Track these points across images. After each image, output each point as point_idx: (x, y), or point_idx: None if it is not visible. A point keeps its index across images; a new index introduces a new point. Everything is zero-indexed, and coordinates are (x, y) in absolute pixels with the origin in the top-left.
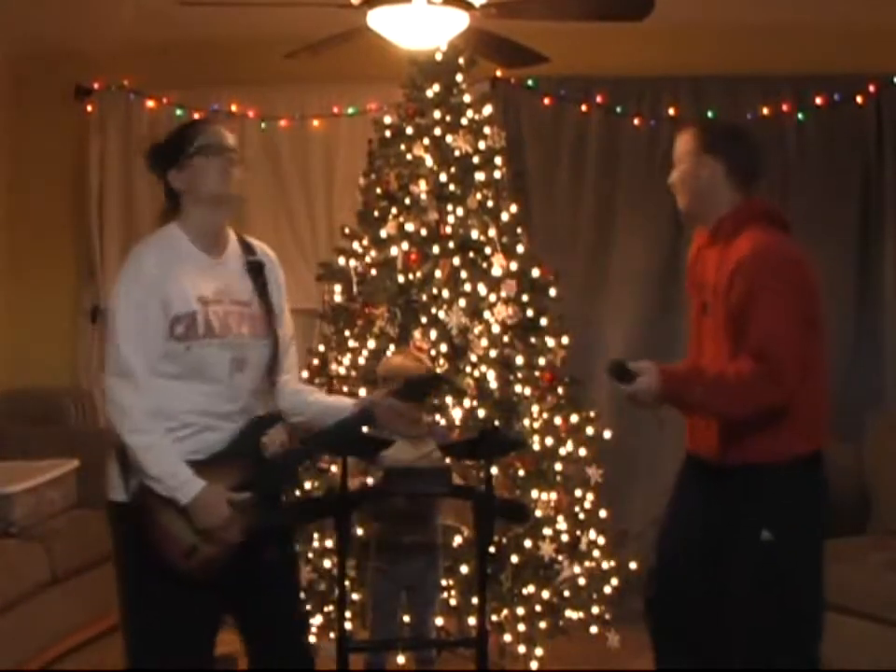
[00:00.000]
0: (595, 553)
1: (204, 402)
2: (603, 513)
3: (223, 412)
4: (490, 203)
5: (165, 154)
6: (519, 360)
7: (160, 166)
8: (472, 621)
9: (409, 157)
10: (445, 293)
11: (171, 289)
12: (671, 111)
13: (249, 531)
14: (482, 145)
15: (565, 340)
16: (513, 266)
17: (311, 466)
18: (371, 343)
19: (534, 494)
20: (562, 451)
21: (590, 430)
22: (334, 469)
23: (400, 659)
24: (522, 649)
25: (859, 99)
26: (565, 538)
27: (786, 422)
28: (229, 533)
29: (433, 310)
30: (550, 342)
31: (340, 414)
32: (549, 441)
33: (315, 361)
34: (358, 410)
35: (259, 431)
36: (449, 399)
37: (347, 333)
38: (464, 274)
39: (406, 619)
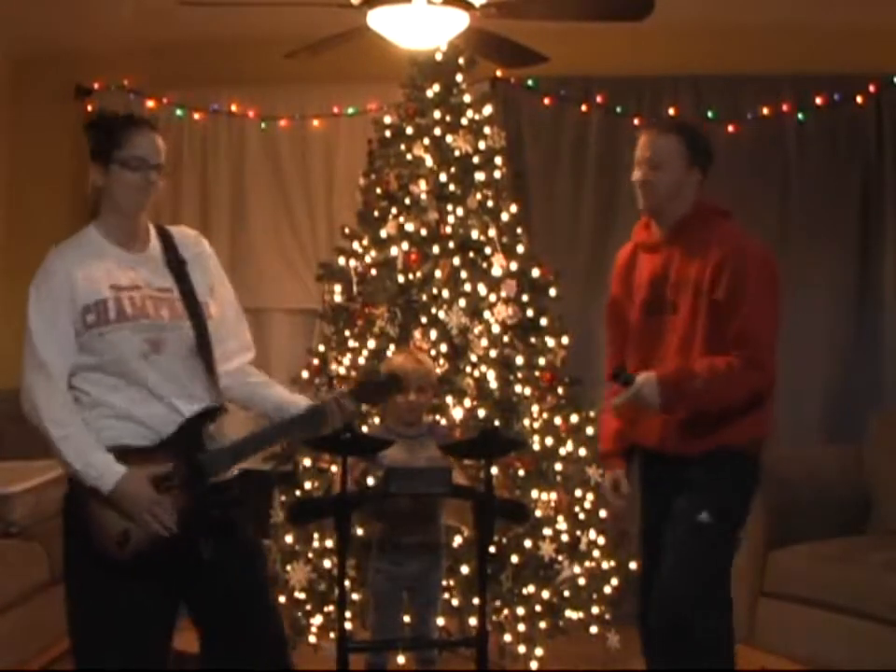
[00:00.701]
0: (595, 552)
1: (127, 390)
2: (603, 513)
3: (147, 396)
4: (490, 203)
5: (93, 144)
6: (519, 360)
7: (89, 150)
8: (473, 621)
9: (409, 157)
10: (445, 293)
11: (80, 282)
12: (671, 111)
13: (184, 518)
14: (482, 145)
15: (565, 340)
16: (513, 266)
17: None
18: (371, 343)
19: (534, 494)
20: (562, 451)
21: (590, 430)
22: (334, 468)
23: (401, 659)
24: (522, 649)
25: (859, 99)
26: (565, 538)
27: (753, 409)
28: (159, 517)
29: (433, 310)
30: (550, 342)
31: (291, 411)
32: (549, 441)
33: (315, 361)
34: (308, 409)
35: (198, 425)
36: (449, 399)
37: (347, 333)
38: (464, 274)
39: (407, 619)
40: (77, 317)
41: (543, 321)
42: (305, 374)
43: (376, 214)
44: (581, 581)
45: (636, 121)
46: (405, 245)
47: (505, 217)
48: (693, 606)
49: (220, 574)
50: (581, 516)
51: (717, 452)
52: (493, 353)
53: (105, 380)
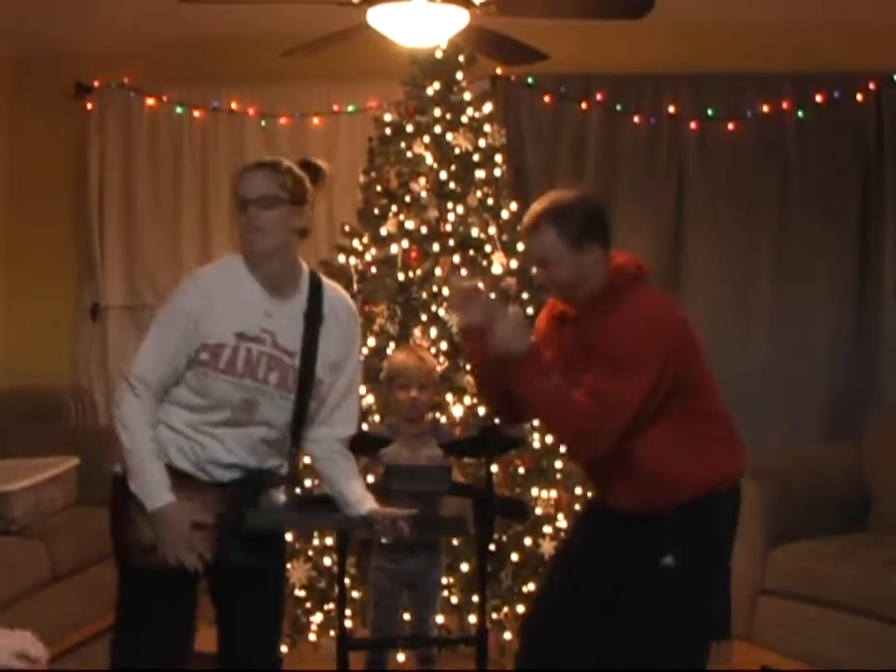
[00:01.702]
0: None
1: (209, 416)
2: None
3: (224, 432)
4: (490, 201)
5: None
6: None
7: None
8: (473, 618)
9: (409, 154)
10: (445, 291)
11: (212, 317)
12: (671, 109)
13: (209, 562)
14: (482, 142)
15: None
16: (514, 264)
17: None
18: (372, 341)
19: (534, 491)
20: (562, 448)
21: None
22: None
23: (401, 657)
24: None
25: (859, 97)
26: (565, 535)
27: (705, 454)
28: (182, 552)
29: (433, 308)
30: None
31: (351, 509)
32: (549, 438)
33: None
34: (363, 517)
35: (260, 482)
36: (449, 397)
37: None
38: (464, 272)
39: (407, 617)
40: (193, 350)
41: None
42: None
43: (376, 211)
44: None
45: (636, 119)
46: (405, 243)
47: (505, 214)
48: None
49: (247, 582)
50: None
51: (671, 509)
52: None
53: (200, 404)
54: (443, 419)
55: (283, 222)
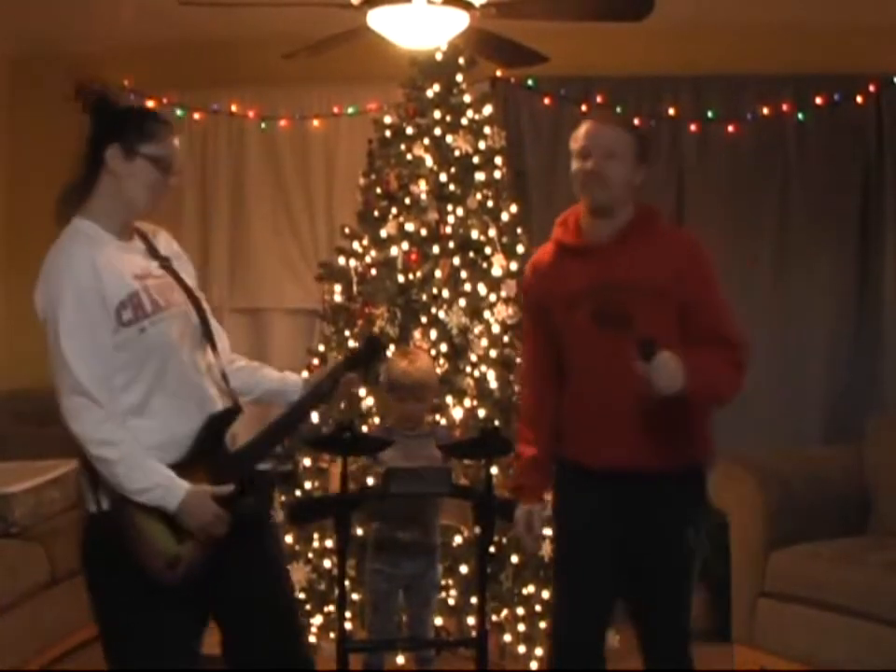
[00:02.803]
0: None
1: (164, 392)
2: None
3: (187, 395)
4: (490, 204)
5: (118, 128)
6: (519, 360)
7: (102, 126)
8: (472, 620)
9: (409, 157)
10: (445, 293)
11: (105, 277)
12: (671, 111)
13: (231, 524)
14: (482, 145)
15: None
16: (513, 266)
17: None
18: None
19: None
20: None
21: None
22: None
23: (400, 659)
24: (522, 649)
25: (859, 99)
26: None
27: (709, 419)
28: (217, 529)
29: (433, 310)
30: None
31: (290, 394)
32: None
33: (316, 361)
34: (311, 389)
35: (221, 427)
36: (449, 399)
37: (347, 333)
38: (464, 274)
39: (404, 618)
40: (112, 317)
41: None
42: (305, 374)
43: (376, 214)
44: None
45: (635, 121)
46: (405, 245)
47: (505, 217)
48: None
49: (245, 579)
50: None
51: (690, 467)
52: (493, 353)
53: (142, 382)
54: (443, 421)
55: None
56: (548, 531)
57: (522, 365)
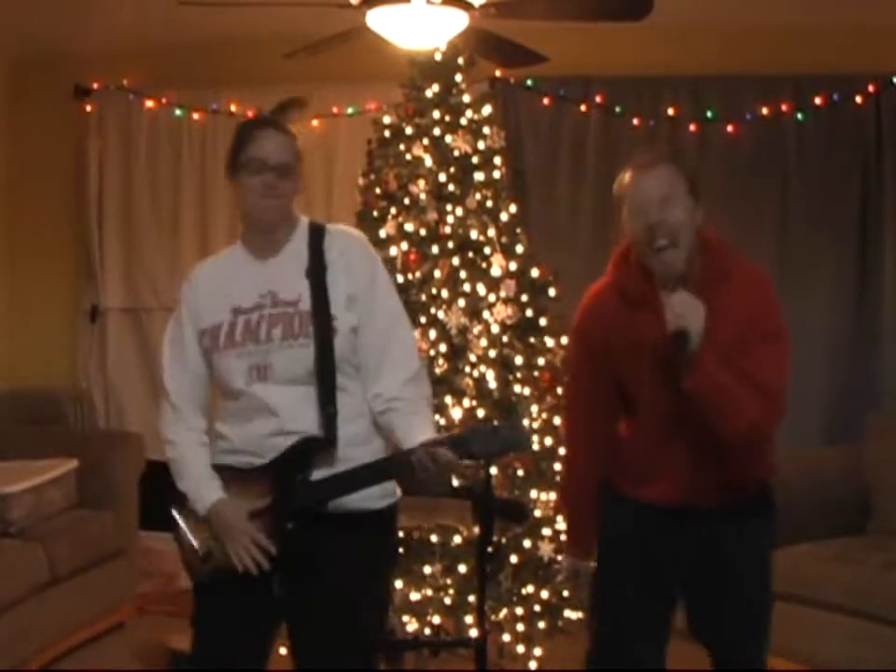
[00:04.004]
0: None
1: (234, 411)
2: None
3: (251, 419)
4: (489, 203)
5: (228, 158)
6: (518, 360)
7: (227, 169)
8: (470, 620)
9: (408, 157)
10: (444, 293)
11: (203, 305)
12: (670, 111)
13: (272, 554)
14: (481, 145)
15: (564, 340)
16: (513, 266)
17: None
18: None
19: (533, 494)
20: (561, 451)
21: None
22: None
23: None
24: (521, 649)
25: (858, 99)
26: (564, 537)
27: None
28: (251, 552)
29: (432, 310)
30: (549, 342)
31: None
32: (548, 441)
33: None
34: (394, 456)
35: (305, 450)
36: (448, 399)
37: None
38: (463, 274)
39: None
40: (197, 341)
41: (542, 321)
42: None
43: (375, 214)
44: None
45: (635, 121)
46: (404, 245)
47: (504, 217)
48: None
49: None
50: None
51: (754, 499)
52: (492, 353)
53: (224, 398)
54: (442, 421)
55: (294, 190)
56: (547, 531)
57: (568, 413)
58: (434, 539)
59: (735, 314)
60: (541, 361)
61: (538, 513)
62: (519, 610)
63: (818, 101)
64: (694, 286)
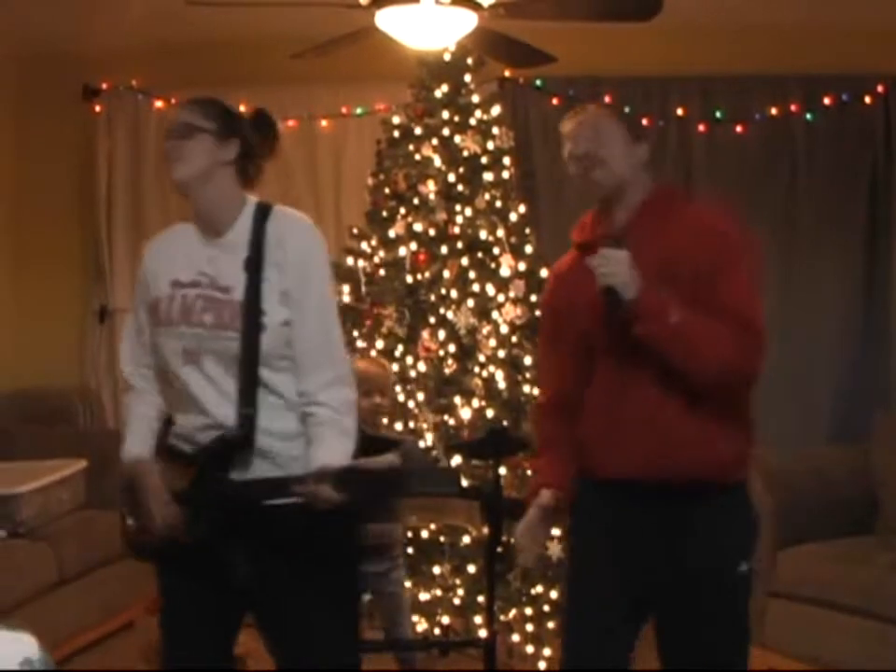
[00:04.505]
0: None
1: (171, 394)
2: None
3: (184, 409)
4: (498, 204)
5: None
6: (527, 360)
7: None
8: (479, 620)
9: (417, 157)
10: (454, 293)
11: (156, 275)
12: (680, 111)
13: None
14: (490, 145)
15: None
16: (522, 266)
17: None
18: (380, 344)
19: None
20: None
21: None
22: None
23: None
24: (530, 649)
25: (867, 99)
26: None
27: (745, 423)
28: (159, 517)
29: (441, 310)
30: None
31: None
32: None
33: None
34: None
35: (221, 449)
36: (458, 400)
37: (356, 333)
38: (472, 275)
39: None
40: (147, 314)
41: None
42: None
43: (385, 214)
44: None
45: (644, 121)
46: (413, 246)
47: (513, 217)
48: None
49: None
50: None
51: (731, 481)
52: (501, 353)
53: (161, 378)
54: (451, 421)
55: (203, 151)
56: (556, 531)
57: (542, 385)
58: (443, 539)
59: (678, 240)
60: None
61: None
62: (528, 611)
63: (826, 101)
64: (633, 214)
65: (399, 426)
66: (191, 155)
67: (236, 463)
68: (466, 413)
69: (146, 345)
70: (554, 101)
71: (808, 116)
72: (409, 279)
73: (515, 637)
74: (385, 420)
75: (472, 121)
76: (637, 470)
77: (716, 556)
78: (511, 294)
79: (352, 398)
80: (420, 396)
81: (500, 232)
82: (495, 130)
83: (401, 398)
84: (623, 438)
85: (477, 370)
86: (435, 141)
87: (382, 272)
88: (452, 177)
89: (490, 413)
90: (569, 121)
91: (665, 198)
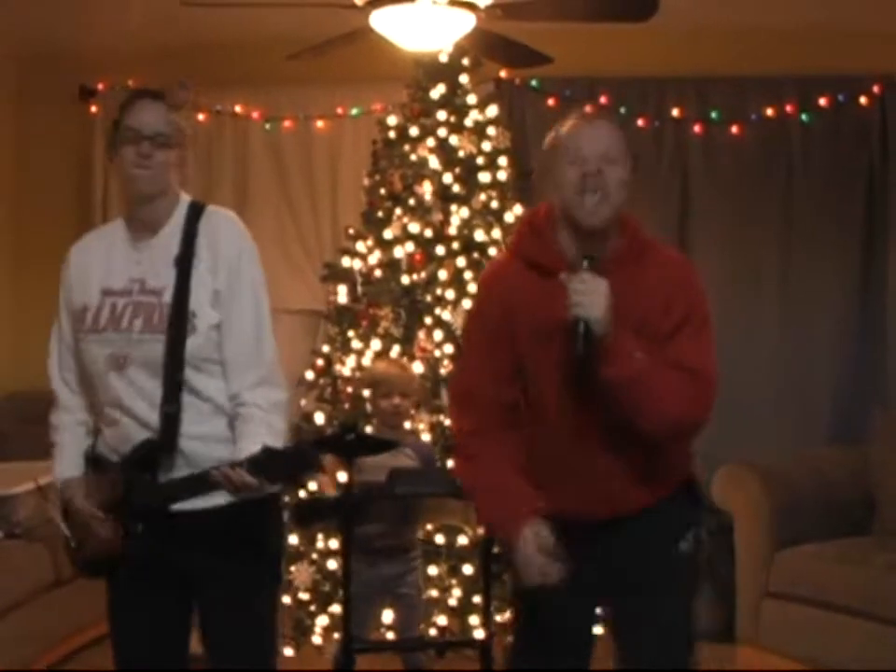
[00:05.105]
0: None
1: (95, 401)
2: None
3: (110, 418)
4: (495, 204)
5: (107, 136)
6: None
7: (106, 149)
8: (475, 620)
9: (413, 158)
10: (450, 294)
11: (75, 285)
12: (675, 112)
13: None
14: (486, 146)
15: None
16: None
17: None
18: (376, 344)
19: None
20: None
21: None
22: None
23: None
24: None
25: (863, 100)
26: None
27: (685, 458)
28: (95, 527)
29: (437, 311)
30: None
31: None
32: None
33: (320, 362)
34: (200, 472)
35: (147, 452)
36: None
37: (352, 334)
38: (468, 275)
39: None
40: (70, 321)
41: None
42: (310, 375)
43: (381, 215)
44: None
45: (640, 122)
46: (410, 246)
47: (509, 217)
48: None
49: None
50: None
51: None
52: None
53: (85, 385)
54: (447, 422)
55: (171, 163)
56: None
57: (458, 398)
58: (439, 539)
59: (653, 294)
60: None
61: None
62: None
63: (822, 102)
64: (609, 263)
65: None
66: (163, 167)
67: (162, 466)
68: None
69: (70, 349)
70: (551, 101)
71: (804, 117)
72: (405, 280)
73: (510, 638)
74: (407, 422)
75: (468, 122)
76: (576, 508)
77: (656, 536)
78: None
79: (281, 398)
80: None
81: (496, 233)
82: (491, 130)
83: None
84: (562, 480)
85: None
86: (431, 142)
87: (378, 272)
88: (448, 178)
89: None
90: (581, 122)
91: (637, 239)
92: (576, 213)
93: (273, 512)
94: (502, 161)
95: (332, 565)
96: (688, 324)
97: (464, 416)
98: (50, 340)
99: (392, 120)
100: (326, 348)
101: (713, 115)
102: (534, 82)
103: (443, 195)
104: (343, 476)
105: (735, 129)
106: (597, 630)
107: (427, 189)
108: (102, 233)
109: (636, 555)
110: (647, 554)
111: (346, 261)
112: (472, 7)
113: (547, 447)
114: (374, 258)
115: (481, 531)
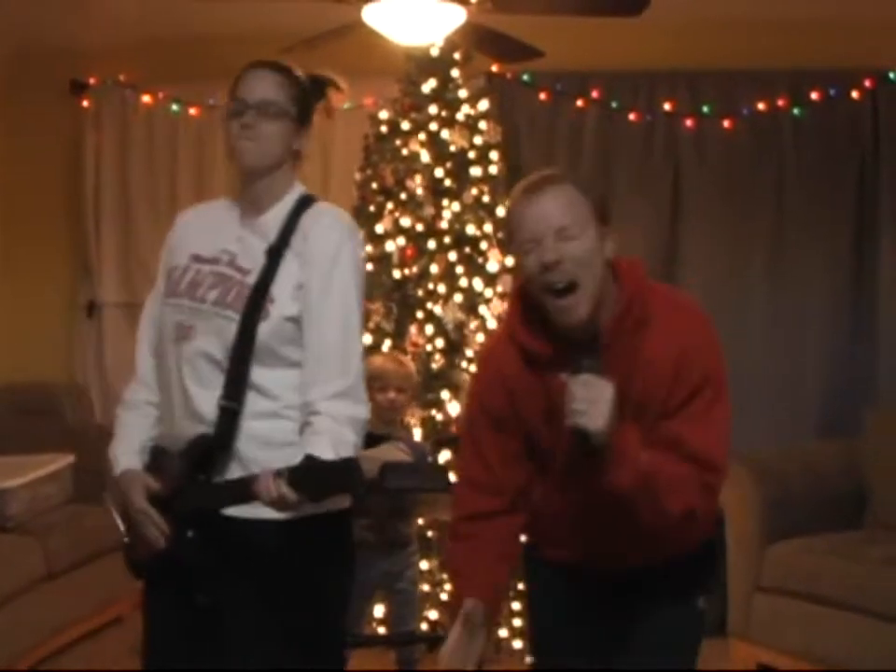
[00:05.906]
0: None
1: (160, 376)
2: None
3: (173, 388)
4: (486, 199)
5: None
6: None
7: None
8: None
9: (405, 152)
10: (441, 288)
11: (176, 247)
12: (667, 106)
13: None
14: (477, 140)
15: None
16: (509, 261)
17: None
18: (367, 339)
19: None
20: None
21: None
22: None
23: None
24: (518, 644)
25: (855, 94)
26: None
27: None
28: (145, 527)
29: (429, 305)
30: None
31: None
32: None
33: None
34: (245, 476)
35: (202, 448)
36: (445, 395)
37: None
38: (460, 270)
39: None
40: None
41: None
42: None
43: (372, 209)
44: None
45: (631, 116)
46: (401, 241)
47: (501, 212)
48: None
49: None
50: None
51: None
52: None
53: (157, 359)
54: (439, 416)
55: (282, 139)
56: None
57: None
58: (431, 534)
59: (659, 365)
60: None
61: None
62: (516, 605)
63: (814, 96)
64: (608, 334)
65: None
66: (270, 140)
67: (217, 465)
68: (454, 409)
69: (156, 317)
70: (542, 96)
71: (796, 111)
72: (396, 274)
73: (503, 633)
74: (404, 417)
75: (460, 116)
76: (591, 564)
77: (671, 591)
78: (499, 289)
79: (361, 415)
80: None
81: (488, 227)
82: (482, 125)
83: None
84: (584, 538)
85: (465, 364)
86: (422, 136)
87: (369, 266)
88: (439, 172)
89: None
90: (524, 198)
91: (638, 308)
92: (549, 314)
93: (339, 538)
94: (494, 155)
95: None
96: (700, 397)
97: (465, 502)
98: (144, 307)
99: (383, 115)
100: None
101: (705, 109)
102: (525, 76)
103: (435, 189)
104: None
105: (726, 123)
106: None
107: (418, 184)
108: (214, 204)
109: (649, 612)
110: (661, 612)
111: None
112: (463, 1)
113: (559, 507)
114: (366, 252)
115: None
